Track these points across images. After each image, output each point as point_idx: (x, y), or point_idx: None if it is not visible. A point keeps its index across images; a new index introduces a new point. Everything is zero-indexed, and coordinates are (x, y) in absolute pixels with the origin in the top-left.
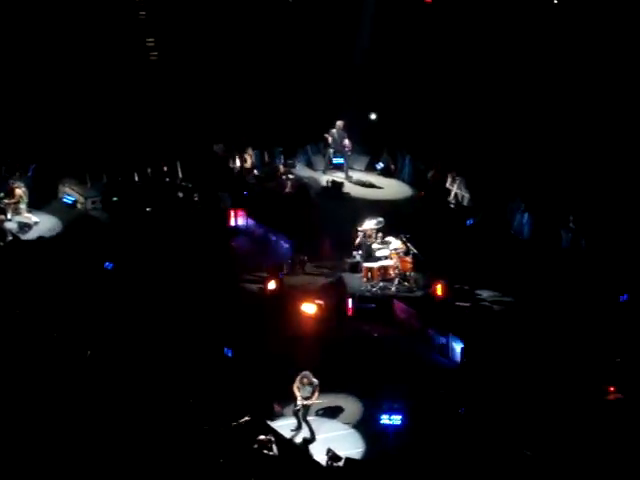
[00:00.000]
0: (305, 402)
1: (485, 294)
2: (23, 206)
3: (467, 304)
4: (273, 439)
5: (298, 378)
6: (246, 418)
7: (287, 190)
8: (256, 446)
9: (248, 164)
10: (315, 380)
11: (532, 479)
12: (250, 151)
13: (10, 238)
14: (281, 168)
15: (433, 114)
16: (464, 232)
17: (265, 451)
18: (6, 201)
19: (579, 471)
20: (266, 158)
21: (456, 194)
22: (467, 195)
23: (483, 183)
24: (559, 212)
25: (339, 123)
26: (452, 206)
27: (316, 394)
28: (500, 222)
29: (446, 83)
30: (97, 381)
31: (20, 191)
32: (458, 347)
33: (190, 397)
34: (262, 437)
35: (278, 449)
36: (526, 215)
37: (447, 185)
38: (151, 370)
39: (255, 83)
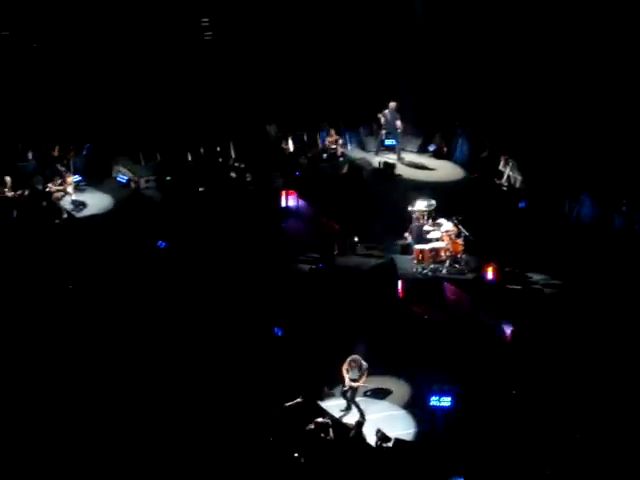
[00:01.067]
0: (353, 384)
1: (536, 277)
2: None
3: (518, 287)
4: (330, 423)
5: (347, 361)
6: (298, 400)
7: (343, 171)
8: (312, 427)
9: (333, 141)
10: (364, 363)
11: (582, 462)
12: (332, 131)
13: (65, 216)
14: (338, 150)
15: (487, 95)
16: (516, 215)
17: (322, 434)
18: (53, 187)
19: (630, 455)
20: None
21: (509, 176)
22: (519, 178)
23: (536, 166)
24: (612, 195)
25: (392, 104)
26: (504, 188)
27: (364, 377)
28: (552, 205)
29: (500, 64)
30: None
31: (70, 179)
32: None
33: (241, 377)
34: (320, 420)
35: (334, 433)
36: (579, 198)
37: (500, 167)
38: (202, 350)
39: (309, 63)
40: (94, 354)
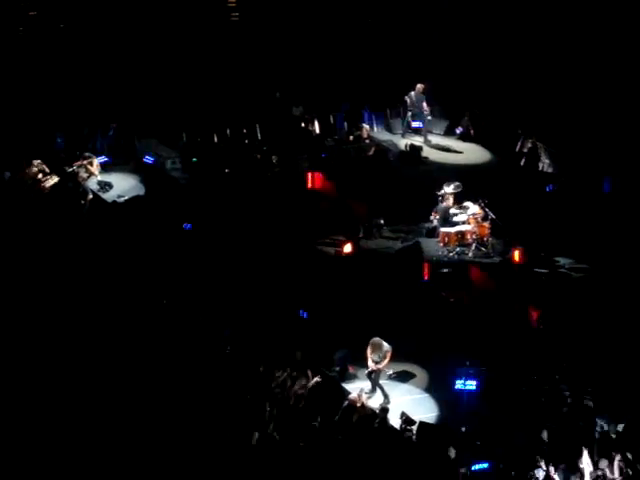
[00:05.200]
0: (375, 367)
1: (563, 261)
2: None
3: (545, 271)
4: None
5: (369, 343)
6: (317, 379)
7: (370, 153)
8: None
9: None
10: (386, 345)
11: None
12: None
13: (91, 197)
14: (364, 132)
15: (513, 78)
16: (543, 198)
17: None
18: (79, 167)
19: None
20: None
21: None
22: (547, 161)
23: (564, 149)
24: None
25: (419, 86)
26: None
27: (387, 359)
28: (581, 188)
29: (526, 47)
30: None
31: (96, 160)
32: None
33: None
34: (353, 396)
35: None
36: (608, 181)
37: (524, 150)
38: (225, 330)
39: (335, 45)
40: (119, 334)
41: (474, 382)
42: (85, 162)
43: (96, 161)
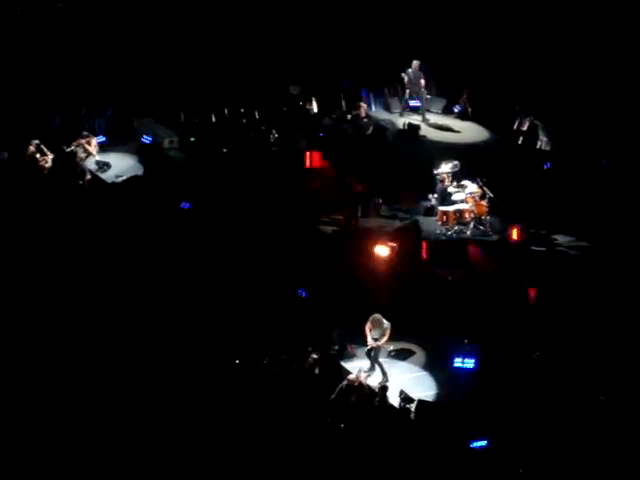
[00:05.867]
0: (375, 344)
1: (562, 239)
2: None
3: (543, 249)
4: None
5: (369, 320)
6: (314, 356)
7: (368, 132)
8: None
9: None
10: (386, 322)
11: (606, 425)
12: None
13: (89, 177)
14: (362, 110)
15: (511, 56)
16: (541, 176)
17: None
18: (77, 147)
19: None
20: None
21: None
22: (545, 139)
23: (562, 127)
24: None
25: (415, 62)
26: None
27: (386, 336)
28: (579, 166)
29: (524, 25)
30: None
31: (94, 140)
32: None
33: (263, 337)
34: (352, 377)
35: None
36: (605, 160)
37: (522, 128)
38: (224, 308)
39: (333, 22)
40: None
41: (472, 360)
42: (83, 142)
43: (94, 141)
